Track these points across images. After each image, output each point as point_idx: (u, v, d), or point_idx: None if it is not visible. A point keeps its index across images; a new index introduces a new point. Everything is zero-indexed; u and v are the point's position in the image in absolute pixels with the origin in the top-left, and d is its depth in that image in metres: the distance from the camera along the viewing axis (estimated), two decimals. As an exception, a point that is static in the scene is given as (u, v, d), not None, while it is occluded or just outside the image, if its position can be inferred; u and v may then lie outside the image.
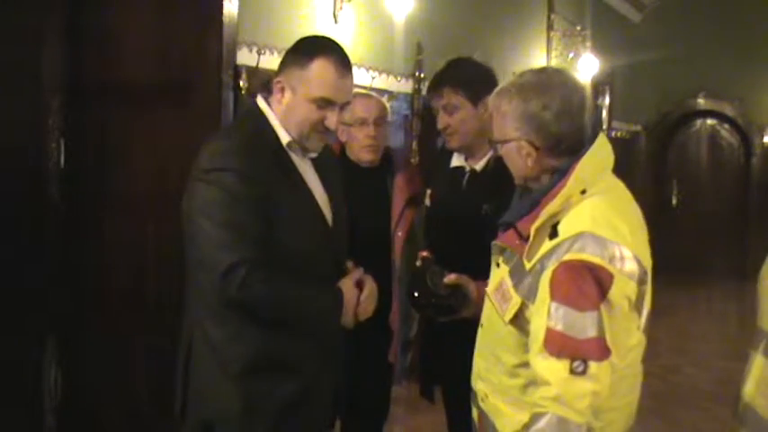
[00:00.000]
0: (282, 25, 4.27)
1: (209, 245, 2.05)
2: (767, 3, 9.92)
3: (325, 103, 2.15)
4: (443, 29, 5.77)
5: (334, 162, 2.48)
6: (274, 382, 2.14)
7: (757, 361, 1.87)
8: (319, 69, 2.13)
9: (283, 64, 2.20)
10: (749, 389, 1.86)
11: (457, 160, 2.82)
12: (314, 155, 2.27)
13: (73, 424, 3.78)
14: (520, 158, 1.91)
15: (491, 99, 1.99)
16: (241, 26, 3.78)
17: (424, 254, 2.45)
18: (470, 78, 2.70)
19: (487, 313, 2.04)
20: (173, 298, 3.58)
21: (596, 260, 1.74)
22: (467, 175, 2.76)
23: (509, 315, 1.87)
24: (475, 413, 2.14)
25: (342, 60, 2.17)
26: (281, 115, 2.18)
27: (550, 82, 1.90)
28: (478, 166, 2.72)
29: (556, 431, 1.70)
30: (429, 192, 2.90)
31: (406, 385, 5.02)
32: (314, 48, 2.17)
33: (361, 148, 2.96)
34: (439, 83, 2.75)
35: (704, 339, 7.65)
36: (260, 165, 2.10)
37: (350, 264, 2.34)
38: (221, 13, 3.60)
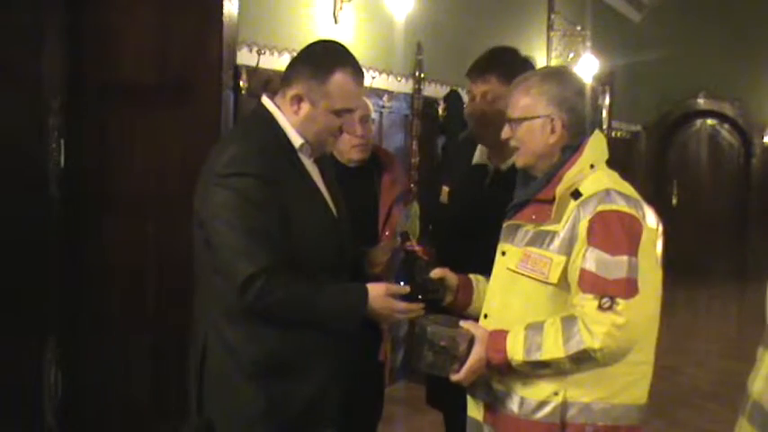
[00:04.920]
0: (282, 25, 4.27)
1: (227, 251, 2.06)
2: (767, 3, 9.92)
3: (345, 112, 2.21)
4: (443, 29, 5.75)
5: (330, 161, 2.50)
6: (294, 382, 2.15)
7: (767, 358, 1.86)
8: (340, 83, 2.16)
9: (296, 75, 2.19)
10: (759, 386, 1.85)
11: (479, 158, 2.73)
12: (318, 156, 2.29)
13: (73, 424, 3.78)
14: (542, 135, 2.09)
15: (518, 81, 2.16)
16: (241, 26, 3.78)
17: (408, 246, 2.35)
18: (519, 73, 2.46)
19: (504, 293, 2.11)
20: (173, 298, 3.58)
21: (628, 210, 1.98)
22: (490, 175, 2.68)
23: (555, 275, 1.99)
24: (478, 410, 2.15)
25: (358, 69, 2.22)
26: (298, 123, 2.20)
27: (569, 73, 2.25)
28: (504, 165, 2.60)
29: (574, 341, 1.91)
30: (447, 189, 2.81)
31: (404, 385, 5.02)
32: (330, 60, 2.19)
33: (350, 149, 2.93)
34: (486, 69, 2.64)
35: (704, 339, 7.65)
36: (276, 167, 2.12)
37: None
38: (221, 13, 3.61)
